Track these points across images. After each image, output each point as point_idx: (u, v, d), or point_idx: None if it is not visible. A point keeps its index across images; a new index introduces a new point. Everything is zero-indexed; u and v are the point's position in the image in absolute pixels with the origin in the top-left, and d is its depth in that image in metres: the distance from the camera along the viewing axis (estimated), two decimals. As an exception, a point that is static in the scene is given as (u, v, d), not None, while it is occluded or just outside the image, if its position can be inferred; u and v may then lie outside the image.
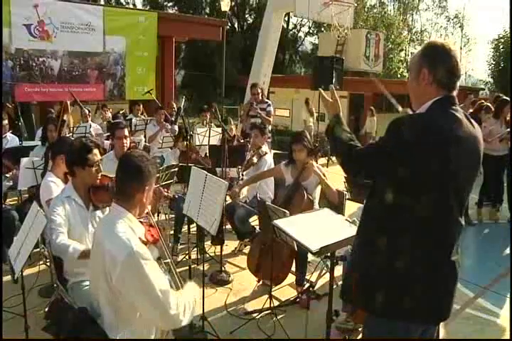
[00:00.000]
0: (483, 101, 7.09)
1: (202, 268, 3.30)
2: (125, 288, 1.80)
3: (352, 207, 4.23)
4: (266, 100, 7.31)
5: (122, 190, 2.00)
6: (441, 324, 1.92)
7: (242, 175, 4.55)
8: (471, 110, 6.56)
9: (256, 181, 4.30)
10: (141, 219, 2.10)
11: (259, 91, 7.02)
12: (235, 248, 4.64)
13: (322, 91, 2.05)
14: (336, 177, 4.35)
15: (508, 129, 5.70)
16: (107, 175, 2.77)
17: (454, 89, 1.74)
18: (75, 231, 2.59)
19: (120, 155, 4.17)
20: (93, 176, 2.69)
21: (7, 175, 4.54)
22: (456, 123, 1.68)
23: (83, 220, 2.64)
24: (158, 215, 4.73)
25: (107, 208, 2.65)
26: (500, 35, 24.40)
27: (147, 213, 2.16)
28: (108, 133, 5.66)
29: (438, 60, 1.72)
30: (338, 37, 14.53)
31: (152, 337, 1.99)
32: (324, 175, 3.77)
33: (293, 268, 3.69)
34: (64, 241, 2.47)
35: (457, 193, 1.72)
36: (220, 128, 5.70)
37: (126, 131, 4.22)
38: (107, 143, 5.71)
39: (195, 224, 3.43)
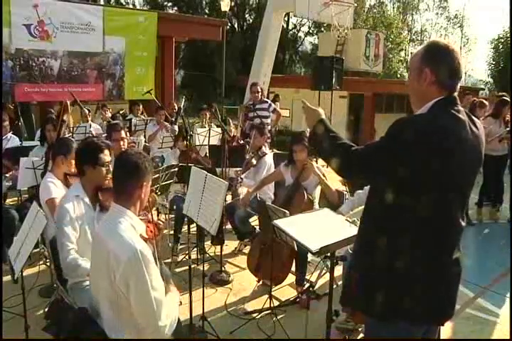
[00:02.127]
0: (475, 99, 7.09)
1: (202, 268, 3.30)
2: (125, 288, 1.81)
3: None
4: (266, 99, 7.35)
5: (121, 189, 2.01)
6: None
7: (241, 178, 4.54)
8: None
9: (262, 187, 4.30)
10: (140, 217, 2.10)
11: (259, 90, 7.04)
12: (235, 248, 4.64)
13: (306, 101, 2.00)
14: (336, 177, 4.34)
15: (508, 129, 5.70)
16: None
17: (454, 90, 1.73)
18: (81, 230, 2.59)
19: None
20: (102, 176, 2.69)
21: (7, 175, 4.54)
22: (457, 124, 1.68)
23: (89, 220, 2.64)
24: (158, 215, 4.74)
25: None
26: (500, 35, 24.43)
27: (145, 209, 2.16)
28: (106, 135, 5.66)
29: (441, 60, 1.71)
30: (338, 37, 14.51)
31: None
32: (324, 176, 3.77)
33: (293, 268, 3.69)
34: (75, 260, 2.47)
35: (458, 193, 1.72)
36: (220, 129, 5.70)
37: (123, 133, 4.22)
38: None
39: (195, 224, 3.43)
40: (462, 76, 1.74)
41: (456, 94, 1.74)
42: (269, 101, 7.34)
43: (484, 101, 6.26)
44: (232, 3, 21.18)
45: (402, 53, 27.84)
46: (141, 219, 2.08)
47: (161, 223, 2.25)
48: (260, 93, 7.06)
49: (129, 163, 2.00)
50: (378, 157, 1.70)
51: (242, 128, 7.24)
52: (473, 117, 1.78)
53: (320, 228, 2.51)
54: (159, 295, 1.84)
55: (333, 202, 3.70)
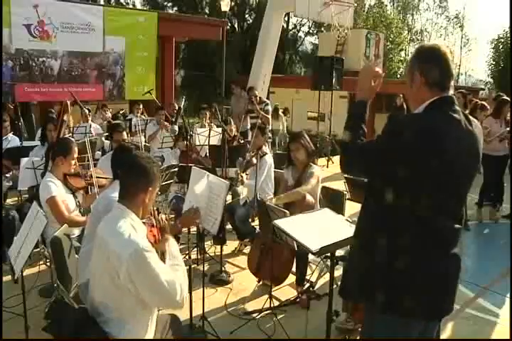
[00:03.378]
0: (477, 100, 7.10)
1: (202, 268, 3.31)
2: (132, 284, 1.82)
3: (352, 207, 4.23)
4: (264, 100, 7.43)
5: (126, 189, 2.02)
6: (442, 324, 1.92)
7: (241, 176, 4.54)
8: (467, 111, 6.56)
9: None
10: (143, 220, 2.10)
11: (257, 94, 7.17)
12: (235, 248, 4.64)
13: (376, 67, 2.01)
14: (336, 177, 4.35)
15: (508, 129, 5.70)
16: None
17: (447, 88, 1.76)
18: None
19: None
20: None
21: (7, 175, 4.55)
22: (453, 123, 1.69)
23: None
24: (158, 215, 4.72)
25: None
26: (500, 35, 24.45)
27: (149, 214, 2.16)
28: (107, 134, 5.67)
29: (428, 62, 1.75)
30: (338, 37, 14.52)
31: (150, 337, 2.00)
32: (319, 180, 3.74)
33: (293, 268, 3.69)
34: None
35: (457, 192, 1.72)
36: (220, 129, 5.70)
37: (124, 135, 4.23)
38: (107, 143, 5.72)
39: (195, 224, 3.42)
40: (453, 74, 1.78)
41: (451, 92, 1.77)
42: (267, 101, 7.43)
43: (486, 104, 6.27)
44: (232, 3, 21.15)
45: (402, 53, 27.87)
46: (144, 223, 2.08)
47: (165, 223, 2.22)
48: (258, 97, 7.20)
49: (138, 167, 2.01)
50: (377, 156, 1.71)
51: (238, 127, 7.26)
52: (469, 117, 1.79)
53: (320, 228, 2.51)
54: (168, 276, 1.87)
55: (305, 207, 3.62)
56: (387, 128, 1.71)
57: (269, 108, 7.30)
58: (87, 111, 6.67)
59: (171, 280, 1.87)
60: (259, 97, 7.33)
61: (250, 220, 4.55)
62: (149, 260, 1.82)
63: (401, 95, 9.58)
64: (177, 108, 7.61)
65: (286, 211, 3.18)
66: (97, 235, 2.02)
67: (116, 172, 2.80)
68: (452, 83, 1.78)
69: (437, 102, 1.73)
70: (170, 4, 27.19)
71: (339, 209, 3.73)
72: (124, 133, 4.26)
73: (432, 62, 1.75)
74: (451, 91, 1.77)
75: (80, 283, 2.56)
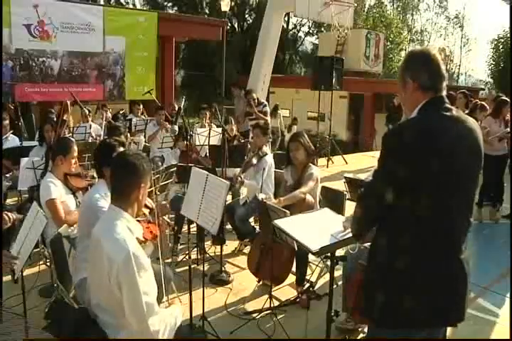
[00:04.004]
0: (477, 100, 7.11)
1: (202, 268, 3.30)
2: (118, 290, 1.82)
3: (352, 207, 4.22)
4: (262, 101, 7.45)
5: (118, 190, 2.00)
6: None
7: (241, 177, 4.53)
8: (466, 111, 6.56)
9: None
10: (139, 218, 2.10)
11: (255, 97, 7.18)
12: (235, 248, 4.64)
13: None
14: (336, 177, 4.34)
15: (508, 129, 5.70)
16: None
17: (440, 90, 1.76)
18: None
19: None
20: None
21: (7, 175, 4.54)
22: (449, 122, 1.70)
23: None
24: (158, 213, 4.72)
25: None
26: (500, 35, 24.46)
27: (150, 212, 2.16)
28: (107, 136, 5.66)
29: (419, 68, 1.76)
30: (338, 37, 14.52)
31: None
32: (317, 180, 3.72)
33: (293, 268, 3.69)
34: None
35: (459, 191, 1.72)
36: (220, 129, 5.70)
37: (123, 138, 4.24)
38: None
39: (195, 224, 3.43)
40: (444, 75, 1.78)
41: (443, 93, 1.77)
42: (265, 102, 7.44)
43: (485, 104, 6.27)
44: (232, 3, 21.13)
45: (402, 53, 27.85)
46: (140, 220, 2.08)
47: (167, 221, 2.21)
48: (256, 99, 7.21)
49: (127, 164, 1.98)
50: (384, 165, 1.71)
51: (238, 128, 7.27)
52: (465, 115, 1.80)
53: (320, 228, 2.51)
54: (151, 300, 1.83)
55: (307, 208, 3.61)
56: (385, 136, 1.72)
57: (267, 109, 7.31)
58: (87, 111, 6.67)
59: (151, 304, 1.82)
60: (257, 98, 7.33)
61: (251, 221, 4.55)
62: (136, 275, 1.79)
63: (398, 95, 9.57)
64: (177, 108, 7.62)
65: (286, 211, 3.18)
66: (93, 237, 2.01)
67: (100, 171, 2.76)
68: (445, 84, 1.78)
69: (429, 103, 1.74)
70: (170, 4, 27.19)
71: (339, 209, 3.73)
72: (123, 136, 4.27)
73: (422, 66, 1.76)
74: (445, 92, 1.78)
75: (75, 282, 2.56)
